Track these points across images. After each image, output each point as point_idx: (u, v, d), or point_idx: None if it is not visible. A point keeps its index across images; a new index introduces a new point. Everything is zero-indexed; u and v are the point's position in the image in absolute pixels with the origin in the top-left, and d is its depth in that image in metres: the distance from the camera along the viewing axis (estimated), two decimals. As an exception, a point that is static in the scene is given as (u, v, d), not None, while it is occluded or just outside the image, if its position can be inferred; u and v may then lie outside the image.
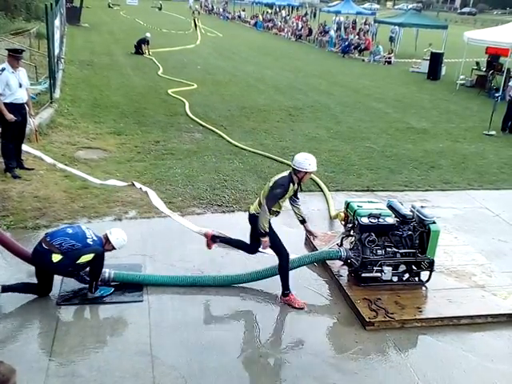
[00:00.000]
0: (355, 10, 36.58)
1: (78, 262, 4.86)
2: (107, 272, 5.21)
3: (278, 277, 5.41)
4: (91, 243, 4.93)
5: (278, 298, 5.33)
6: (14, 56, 7.54)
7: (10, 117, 7.38)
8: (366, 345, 4.76)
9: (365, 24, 35.58)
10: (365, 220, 5.43)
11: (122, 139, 10.16)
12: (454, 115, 14.74)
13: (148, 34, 22.64)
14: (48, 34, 12.15)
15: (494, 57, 19.18)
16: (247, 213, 5.44)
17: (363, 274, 5.53)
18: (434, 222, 5.52)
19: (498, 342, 4.97)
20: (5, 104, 7.40)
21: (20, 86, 7.58)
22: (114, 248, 5.15)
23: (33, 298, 5.00)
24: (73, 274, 5.06)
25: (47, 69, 12.43)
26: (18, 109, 7.60)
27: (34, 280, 5.02)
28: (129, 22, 37.91)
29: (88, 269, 5.03)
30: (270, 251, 6.18)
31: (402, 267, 5.67)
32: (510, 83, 13.58)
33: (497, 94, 13.23)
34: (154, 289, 5.31)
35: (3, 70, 7.40)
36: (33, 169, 8.00)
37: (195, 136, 10.79)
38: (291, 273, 5.53)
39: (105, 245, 5.08)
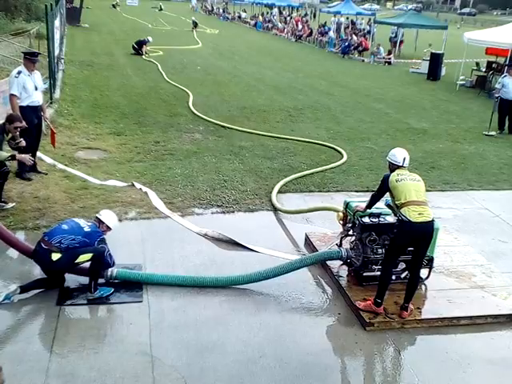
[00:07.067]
0: (355, 11, 36.58)
1: (77, 261, 4.91)
2: (110, 269, 5.23)
3: (277, 278, 5.42)
4: (89, 230, 5.03)
5: None
6: (31, 59, 7.64)
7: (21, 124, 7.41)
8: (366, 345, 4.76)
9: (367, 24, 35.58)
10: (366, 220, 5.45)
11: (122, 140, 10.16)
12: (454, 116, 14.74)
13: (150, 38, 22.67)
14: (48, 35, 12.18)
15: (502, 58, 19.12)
16: (420, 221, 4.75)
17: (364, 274, 5.54)
18: (434, 220, 5.51)
19: (498, 342, 4.96)
20: (22, 107, 7.46)
21: (36, 88, 7.65)
22: (109, 228, 5.25)
23: (33, 299, 5.00)
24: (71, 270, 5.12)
25: (47, 69, 12.44)
26: (34, 111, 7.68)
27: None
28: (129, 23, 37.95)
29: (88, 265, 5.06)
30: (266, 251, 6.21)
31: (402, 265, 5.66)
32: (497, 85, 13.63)
33: (496, 95, 13.24)
34: (154, 289, 5.31)
35: (19, 73, 7.47)
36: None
37: (195, 136, 10.79)
38: (293, 273, 5.53)
39: (99, 227, 5.18)
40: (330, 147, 10.61)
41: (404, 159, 5.11)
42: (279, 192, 8.06)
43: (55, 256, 4.84)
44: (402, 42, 29.27)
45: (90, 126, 10.83)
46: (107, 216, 5.30)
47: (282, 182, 8.31)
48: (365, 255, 5.48)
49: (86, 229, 5.04)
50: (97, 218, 5.28)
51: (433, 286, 5.63)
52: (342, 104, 15.29)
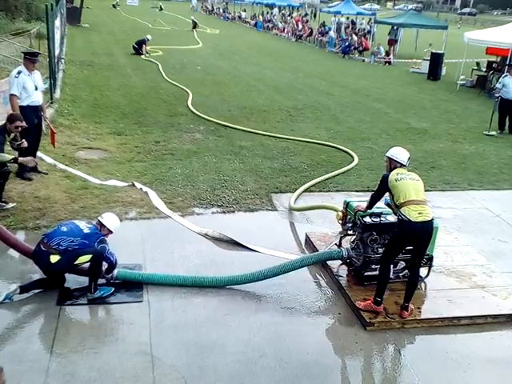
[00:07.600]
0: (355, 11, 36.63)
1: (76, 262, 4.91)
2: None
3: (277, 278, 5.41)
4: (88, 231, 5.00)
5: None
6: (31, 59, 7.67)
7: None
8: (366, 345, 4.76)
9: (367, 24, 35.60)
10: (367, 219, 5.45)
11: (122, 139, 10.16)
12: (454, 115, 14.74)
13: (149, 36, 22.71)
14: (48, 35, 12.19)
15: (504, 58, 19.09)
16: (421, 221, 4.75)
17: (366, 273, 5.54)
18: (433, 219, 5.51)
19: (498, 342, 4.96)
20: (22, 107, 7.47)
21: (36, 88, 7.67)
22: (110, 231, 5.22)
23: (33, 299, 5.00)
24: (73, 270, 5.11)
25: (48, 69, 12.44)
26: (34, 111, 7.70)
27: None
28: (129, 23, 37.95)
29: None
30: (266, 251, 6.22)
31: (401, 264, 5.66)
32: (497, 85, 13.65)
33: (497, 95, 13.24)
34: (154, 289, 5.31)
35: (19, 73, 7.50)
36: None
37: (195, 136, 10.79)
38: (293, 273, 5.53)
39: (100, 230, 5.15)
40: (339, 149, 10.54)
41: (408, 158, 5.18)
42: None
43: (54, 258, 4.84)
44: (396, 40, 29.30)
45: (90, 126, 10.83)
46: (109, 219, 5.24)
47: (301, 189, 8.18)
48: (366, 255, 5.49)
49: (86, 230, 5.01)
50: (98, 220, 5.25)
51: (433, 286, 5.63)
52: (341, 104, 15.29)
